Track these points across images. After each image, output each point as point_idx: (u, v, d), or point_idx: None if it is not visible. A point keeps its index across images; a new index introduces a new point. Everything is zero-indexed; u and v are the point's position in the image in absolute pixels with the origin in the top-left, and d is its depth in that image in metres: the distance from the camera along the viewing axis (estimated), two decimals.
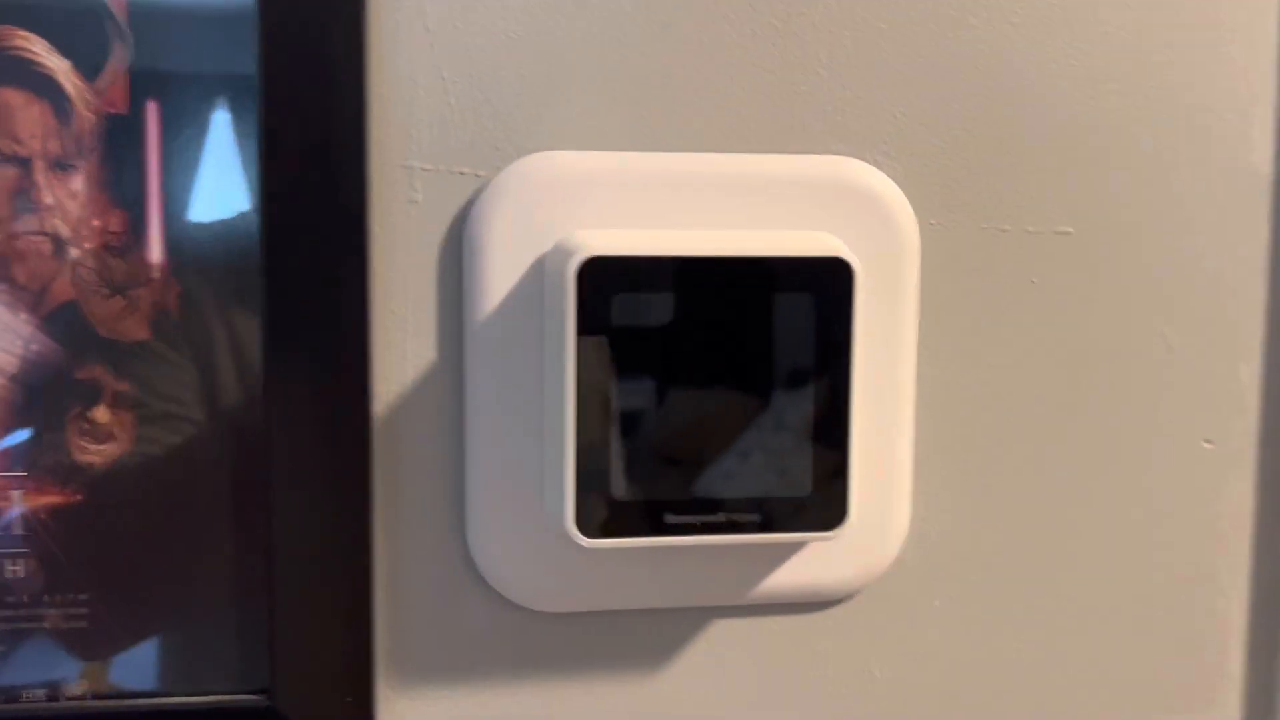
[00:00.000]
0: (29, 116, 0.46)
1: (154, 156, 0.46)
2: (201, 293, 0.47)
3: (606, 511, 0.45)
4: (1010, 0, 0.50)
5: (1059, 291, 0.52)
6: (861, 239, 0.49)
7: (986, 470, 0.53)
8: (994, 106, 0.51)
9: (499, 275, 0.48)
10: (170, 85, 0.46)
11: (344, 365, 0.47)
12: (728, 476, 0.46)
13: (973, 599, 0.53)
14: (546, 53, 0.48)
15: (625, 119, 0.49)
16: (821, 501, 0.46)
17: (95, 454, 0.47)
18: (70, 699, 0.48)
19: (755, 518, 0.46)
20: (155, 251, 0.47)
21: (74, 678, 0.48)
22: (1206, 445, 0.54)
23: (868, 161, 0.50)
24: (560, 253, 0.46)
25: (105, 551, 0.48)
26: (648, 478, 0.46)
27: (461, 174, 0.48)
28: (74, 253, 0.46)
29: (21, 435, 0.47)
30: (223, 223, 0.47)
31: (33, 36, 0.45)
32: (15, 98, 0.45)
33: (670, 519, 0.46)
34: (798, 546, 0.50)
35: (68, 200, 0.46)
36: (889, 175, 0.50)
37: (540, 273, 0.47)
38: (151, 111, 0.46)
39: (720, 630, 0.52)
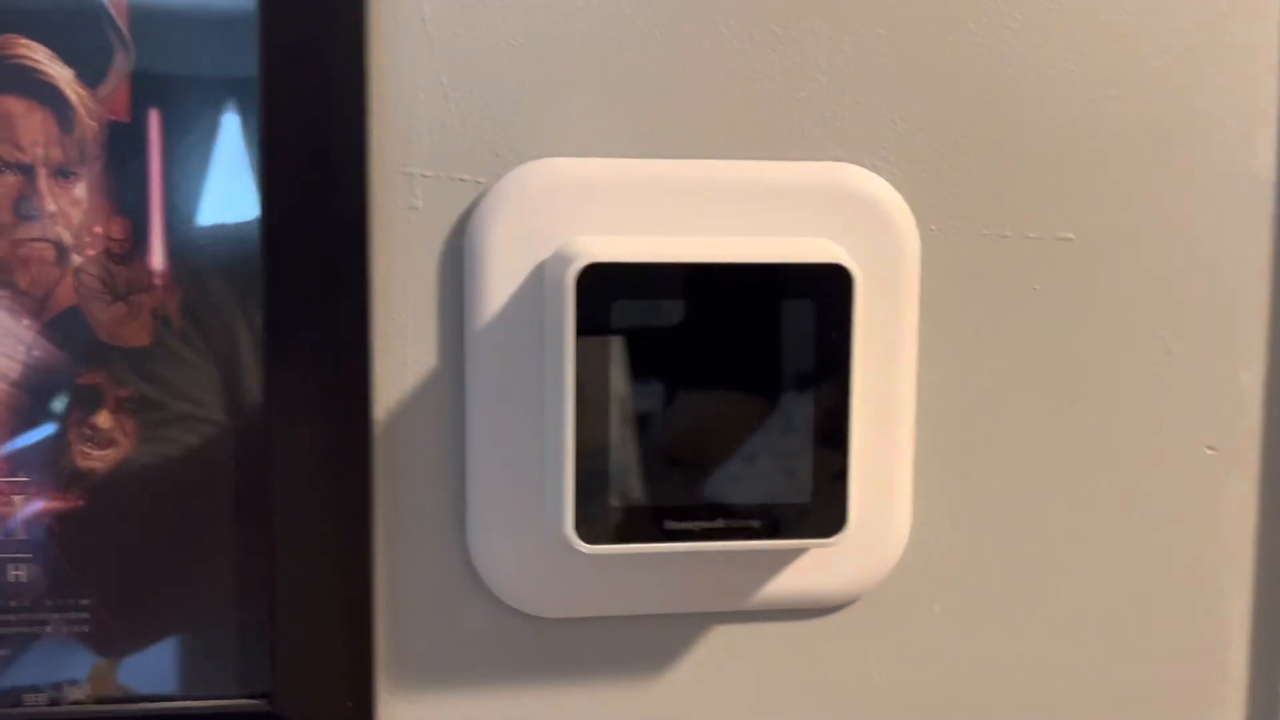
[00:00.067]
0: (31, 124, 0.46)
1: (155, 164, 0.47)
2: (202, 298, 0.47)
3: (606, 517, 0.45)
4: (1010, 5, 0.50)
5: (1060, 297, 0.52)
6: (862, 245, 0.49)
7: (986, 476, 0.52)
8: (994, 112, 0.51)
9: (499, 281, 0.48)
10: (172, 93, 0.46)
11: (345, 371, 0.48)
12: (728, 482, 0.46)
13: (973, 605, 0.53)
14: (546, 59, 0.48)
15: (625, 125, 0.49)
16: (822, 507, 0.46)
17: (97, 459, 0.48)
18: (72, 703, 0.49)
19: (755, 524, 0.46)
20: (157, 258, 0.47)
21: (77, 682, 0.49)
22: (1208, 451, 0.54)
23: (868, 167, 0.50)
24: (560, 259, 0.46)
25: (107, 556, 0.48)
26: (648, 484, 0.46)
27: (462, 180, 0.48)
28: (76, 259, 0.47)
29: (24, 440, 0.47)
30: (224, 228, 0.47)
31: (35, 45, 0.45)
32: (18, 106, 0.46)
33: (670, 525, 0.46)
34: (798, 552, 0.50)
35: (70, 207, 0.46)
36: (889, 181, 0.50)
37: (540, 279, 0.48)
38: (153, 119, 0.46)
39: (720, 636, 0.52)
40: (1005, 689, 0.54)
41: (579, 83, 0.48)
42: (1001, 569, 0.53)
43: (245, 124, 0.47)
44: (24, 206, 0.46)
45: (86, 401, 0.47)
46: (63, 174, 0.46)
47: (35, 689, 0.48)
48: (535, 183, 0.48)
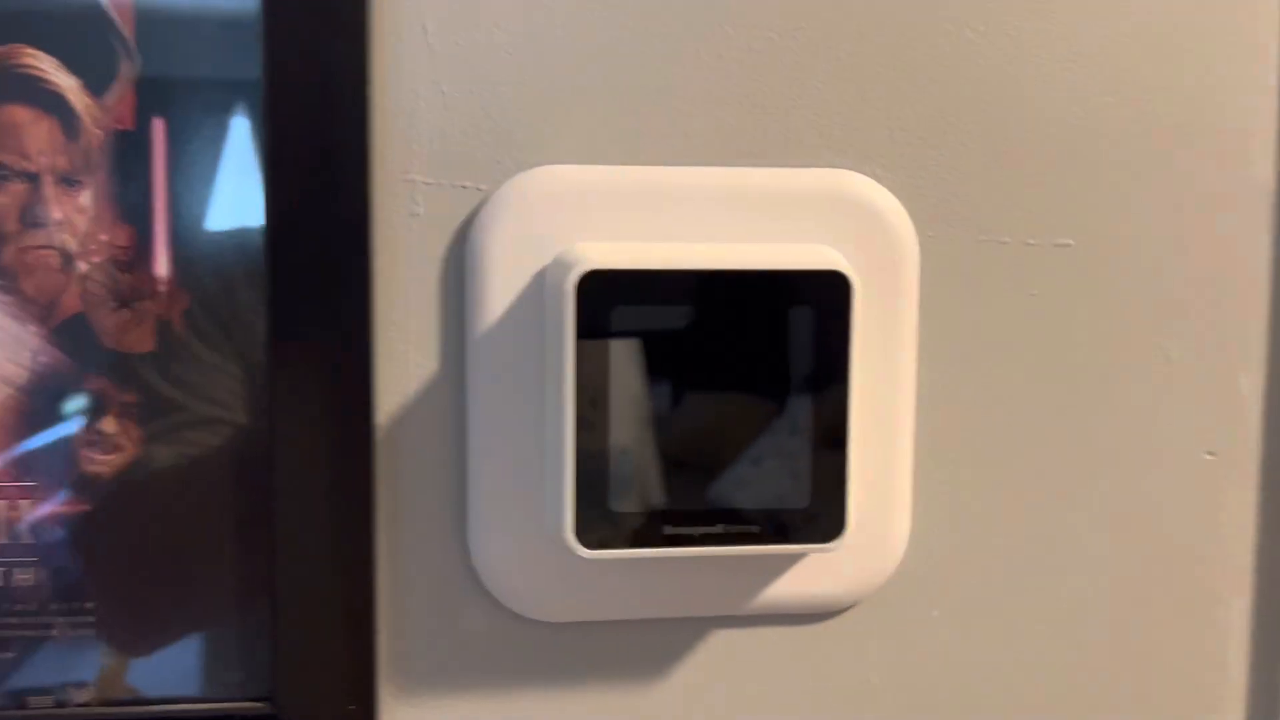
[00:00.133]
0: (37, 133, 0.46)
1: (160, 172, 0.47)
2: (206, 305, 0.48)
3: (605, 523, 0.45)
4: (1008, 12, 0.50)
5: (1059, 303, 0.52)
6: (860, 252, 0.49)
7: (986, 482, 0.53)
8: (993, 118, 0.51)
9: (500, 287, 0.48)
10: (176, 101, 0.47)
11: (347, 376, 0.48)
12: (728, 487, 0.46)
13: (972, 610, 0.53)
14: (546, 67, 0.48)
15: (624, 133, 0.49)
16: (821, 512, 0.47)
17: (102, 464, 0.48)
18: (77, 706, 0.49)
19: (754, 529, 0.47)
20: (161, 265, 0.48)
21: (82, 684, 0.49)
22: (1207, 456, 0.54)
23: (866, 174, 0.50)
24: (560, 266, 0.46)
25: (111, 560, 0.49)
26: (647, 489, 0.46)
27: (463, 187, 0.49)
28: (82, 266, 0.47)
29: (31, 445, 0.48)
30: (227, 235, 0.48)
31: (41, 54, 0.46)
32: (24, 114, 0.46)
33: (669, 530, 0.46)
34: (797, 557, 0.50)
35: (76, 215, 0.47)
36: (887, 188, 0.50)
37: (541, 285, 0.48)
38: (158, 127, 0.47)
39: (720, 640, 0.52)
40: (1005, 692, 0.54)
41: (579, 91, 0.49)
42: (1001, 574, 0.53)
43: (249, 132, 0.47)
44: (30, 214, 0.47)
45: (91, 407, 0.48)
46: (68, 182, 0.47)
47: (40, 691, 0.49)
48: (536, 190, 0.48)
